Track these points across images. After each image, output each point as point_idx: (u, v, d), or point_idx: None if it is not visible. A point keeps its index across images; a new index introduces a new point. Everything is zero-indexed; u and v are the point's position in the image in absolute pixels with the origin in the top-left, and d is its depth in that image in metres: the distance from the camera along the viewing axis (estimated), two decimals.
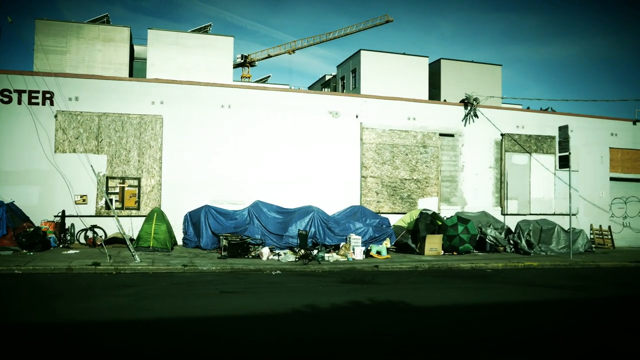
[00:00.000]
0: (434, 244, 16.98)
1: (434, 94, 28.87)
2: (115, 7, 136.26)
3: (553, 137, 21.45)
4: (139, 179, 16.79)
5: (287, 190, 18.19)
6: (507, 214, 20.84)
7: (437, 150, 19.99)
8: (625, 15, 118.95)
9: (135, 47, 29.86)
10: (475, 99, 20.32)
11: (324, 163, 18.75)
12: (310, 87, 40.32)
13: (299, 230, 14.47)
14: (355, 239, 15.49)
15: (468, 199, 20.51)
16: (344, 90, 32.93)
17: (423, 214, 17.37)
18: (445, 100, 21.48)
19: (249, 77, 59.70)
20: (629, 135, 23.13)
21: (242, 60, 63.54)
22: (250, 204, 17.00)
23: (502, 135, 21.02)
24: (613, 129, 22.86)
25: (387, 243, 16.13)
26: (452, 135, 20.41)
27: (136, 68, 30.00)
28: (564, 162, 17.73)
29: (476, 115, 20.49)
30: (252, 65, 65.19)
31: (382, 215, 18.74)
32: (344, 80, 35.84)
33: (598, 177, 22.52)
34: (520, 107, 24.75)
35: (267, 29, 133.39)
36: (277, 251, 15.50)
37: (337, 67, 36.77)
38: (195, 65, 27.75)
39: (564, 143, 17.77)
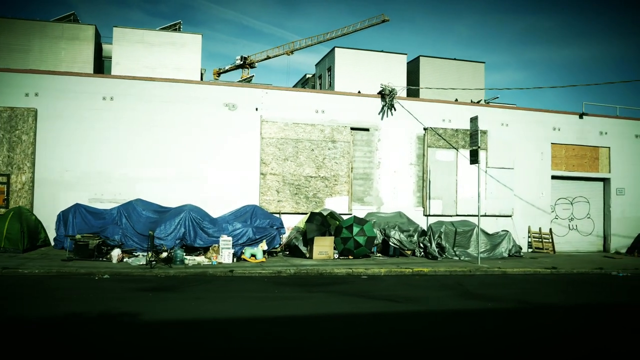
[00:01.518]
0: (323, 247, 15.54)
1: (413, 92, 27.30)
2: (133, 11, 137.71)
3: (485, 132, 19.67)
4: (8, 176, 15.81)
5: (179, 188, 16.98)
6: (429, 215, 19.16)
7: (349, 146, 18.47)
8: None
9: (105, 46, 29.14)
10: (392, 90, 18.73)
11: (221, 159, 17.46)
12: (294, 86, 38.99)
13: (149, 231, 13.25)
14: (225, 241, 14.16)
15: (385, 198, 18.91)
16: (321, 89, 31.50)
17: (314, 214, 15.92)
18: (359, 92, 19.91)
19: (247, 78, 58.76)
20: (574, 130, 21.09)
21: (242, 62, 62.57)
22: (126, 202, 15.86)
23: (425, 129, 19.35)
24: (556, 123, 20.88)
25: (262, 246, 14.75)
26: (367, 130, 18.85)
27: (106, 67, 29.34)
28: (474, 158, 16.05)
29: (393, 108, 18.89)
30: (251, 67, 64.25)
31: (283, 215, 17.38)
32: (321, 78, 34.46)
33: (538, 175, 20.57)
34: (455, 100, 22.94)
35: (281, 31, 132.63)
36: (137, 253, 14.33)
37: (316, 65, 35.43)
38: (162, 64, 26.83)
39: (474, 136, 16.08)
